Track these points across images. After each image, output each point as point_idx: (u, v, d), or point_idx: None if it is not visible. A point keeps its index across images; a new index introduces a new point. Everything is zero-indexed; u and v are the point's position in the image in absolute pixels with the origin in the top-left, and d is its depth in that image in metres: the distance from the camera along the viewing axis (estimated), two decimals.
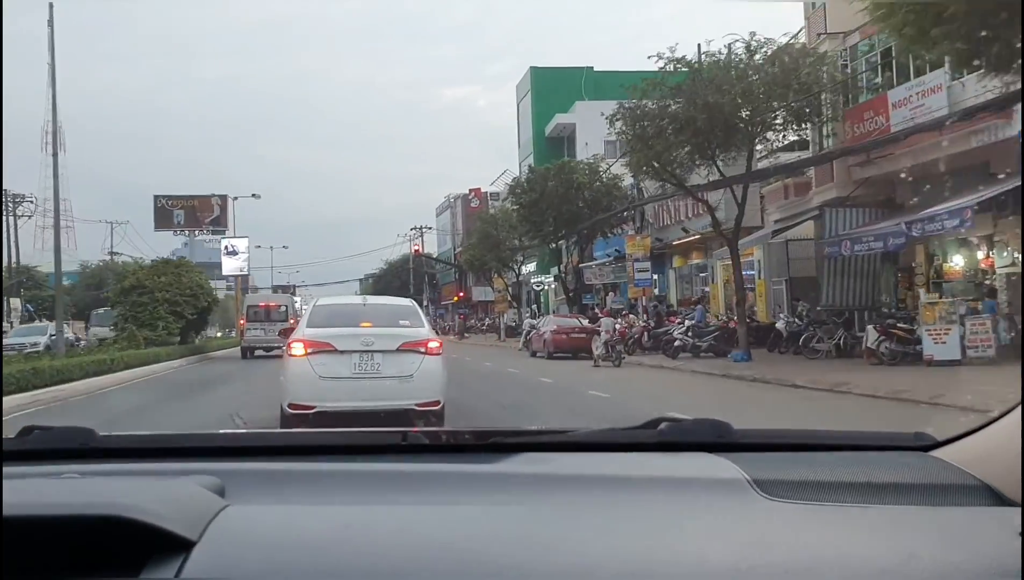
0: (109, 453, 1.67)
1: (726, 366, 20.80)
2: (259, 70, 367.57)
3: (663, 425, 1.69)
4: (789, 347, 23.51)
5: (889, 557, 1.16)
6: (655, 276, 39.28)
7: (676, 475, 1.50)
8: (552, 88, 54.22)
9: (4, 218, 44.72)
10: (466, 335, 60.62)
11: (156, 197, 48.41)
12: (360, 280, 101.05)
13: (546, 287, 55.35)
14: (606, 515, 1.33)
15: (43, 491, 1.24)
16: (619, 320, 26.48)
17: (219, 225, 49.69)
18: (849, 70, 21.25)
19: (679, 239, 31.08)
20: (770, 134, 21.77)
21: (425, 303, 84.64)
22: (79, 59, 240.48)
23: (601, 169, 35.24)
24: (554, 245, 37.91)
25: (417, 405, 9.01)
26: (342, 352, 9.08)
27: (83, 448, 1.64)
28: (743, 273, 31.94)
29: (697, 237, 29.56)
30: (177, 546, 1.09)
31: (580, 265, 37.13)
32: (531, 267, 53.58)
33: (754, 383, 17.03)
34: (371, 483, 1.48)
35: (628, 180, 35.12)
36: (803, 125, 21.15)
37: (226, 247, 56.19)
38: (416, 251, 62.57)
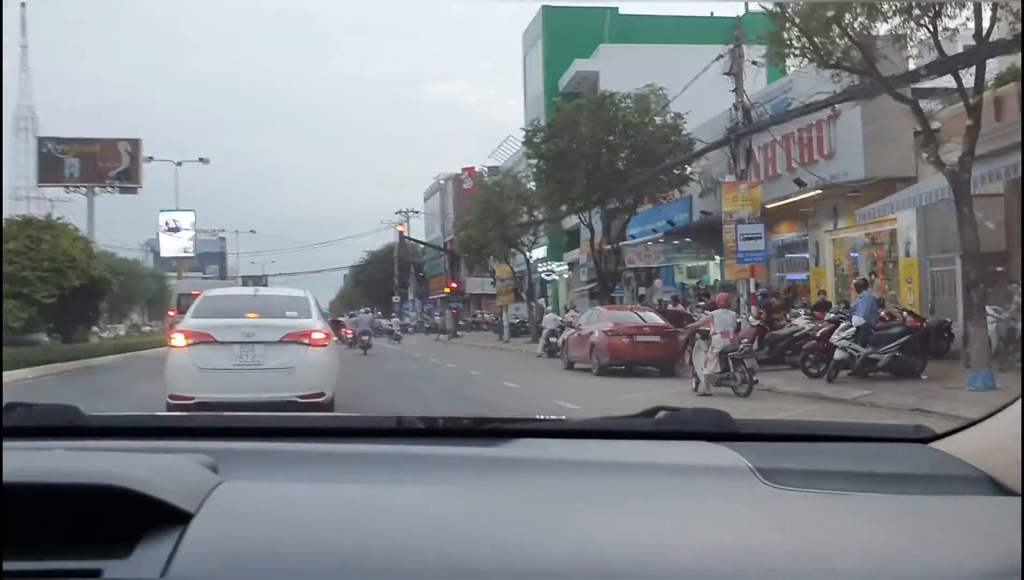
0: (96, 432, 1.59)
1: (963, 400, 11.02)
2: (246, 64, 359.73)
3: (661, 414, 1.65)
4: (1010, 360, 14.02)
5: (900, 542, 1.16)
6: (716, 258, 29.53)
7: (677, 462, 1.47)
8: (568, 33, 44.14)
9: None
10: (459, 334, 50.74)
11: (41, 140, 36.84)
12: (345, 275, 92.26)
13: (558, 276, 45.44)
14: (607, 499, 1.30)
15: (30, 461, 1.14)
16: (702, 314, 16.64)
17: (130, 181, 38.34)
18: None
19: (782, 199, 21.09)
20: None
21: (411, 297, 75.09)
22: (63, 49, 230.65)
23: (653, 101, 25.08)
24: (586, 215, 27.73)
25: (300, 397, 8.82)
26: (222, 343, 9.08)
27: (69, 426, 1.57)
28: (861, 252, 22.46)
29: (818, 193, 19.67)
30: (173, 519, 1.04)
31: (620, 243, 27.17)
32: (538, 253, 43.63)
33: None
34: (368, 464, 1.43)
35: (695, 121, 25.20)
36: None
37: (167, 223, 46.04)
38: (400, 231, 52.33)
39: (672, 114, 25.01)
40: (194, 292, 27.09)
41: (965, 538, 1.17)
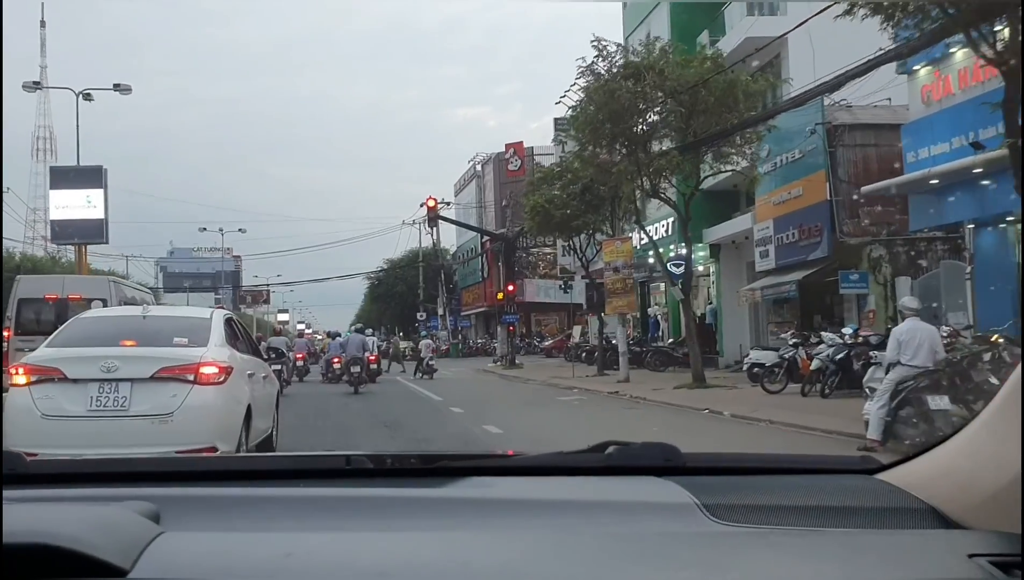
0: (39, 479, 1.56)
1: None
2: (269, 90, 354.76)
3: (611, 449, 1.65)
4: None
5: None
6: None
7: (624, 499, 1.46)
8: None
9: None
10: (518, 362, 33.28)
11: None
12: (366, 292, 78.83)
13: (691, 268, 27.55)
14: (553, 540, 1.29)
15: None
16: None
17: None
18: None
19: None
20: None
21: (441, 312, 57.90)
22: (87, 79, 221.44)
23: None
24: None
25: (179, 453, 6.20)
26: (75, 381, 6.87)
27: (11, 474, 1.52)
28: None
29: None
30: (109, 575, 1.02)
31: None
32: (642, 234, 25.96)
33: None
34: (313, 508, 1.42)
35: None
36: None
37: (53, 174, 29.45)
38: (431, 208, 34.93)
39: None
40: (48, 296, 17.48)
41: (913, 573, 1.14)
